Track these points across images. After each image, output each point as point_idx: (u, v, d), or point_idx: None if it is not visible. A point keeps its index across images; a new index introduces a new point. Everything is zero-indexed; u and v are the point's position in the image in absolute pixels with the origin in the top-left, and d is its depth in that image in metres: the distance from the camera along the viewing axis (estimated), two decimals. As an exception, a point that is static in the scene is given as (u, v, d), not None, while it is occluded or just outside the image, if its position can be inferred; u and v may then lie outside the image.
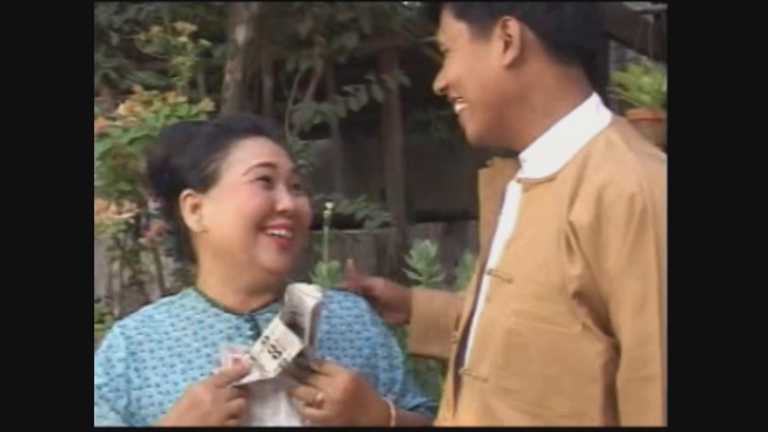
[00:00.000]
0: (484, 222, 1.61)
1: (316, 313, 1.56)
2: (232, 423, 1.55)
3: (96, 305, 3.09)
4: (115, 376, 1.63)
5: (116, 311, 3.17)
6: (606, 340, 1.36)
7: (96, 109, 3.69)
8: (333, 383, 1.59)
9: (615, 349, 1.36)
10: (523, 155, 1.52)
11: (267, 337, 1.55)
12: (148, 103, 2.91)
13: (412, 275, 2.90)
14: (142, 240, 3.02)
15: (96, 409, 1.60)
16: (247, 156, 1.68)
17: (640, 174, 1.36)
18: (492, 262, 1.51)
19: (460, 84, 1.51)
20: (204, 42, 3.05)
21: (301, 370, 1.58)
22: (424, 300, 1.87)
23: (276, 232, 1.65)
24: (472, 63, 1.49)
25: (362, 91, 3.88)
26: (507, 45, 1.46)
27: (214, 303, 1.68)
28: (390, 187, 5.04)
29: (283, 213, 1.65)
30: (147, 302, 3.25)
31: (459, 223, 5.41)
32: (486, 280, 1.51)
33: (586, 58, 1.51)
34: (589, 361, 1.36)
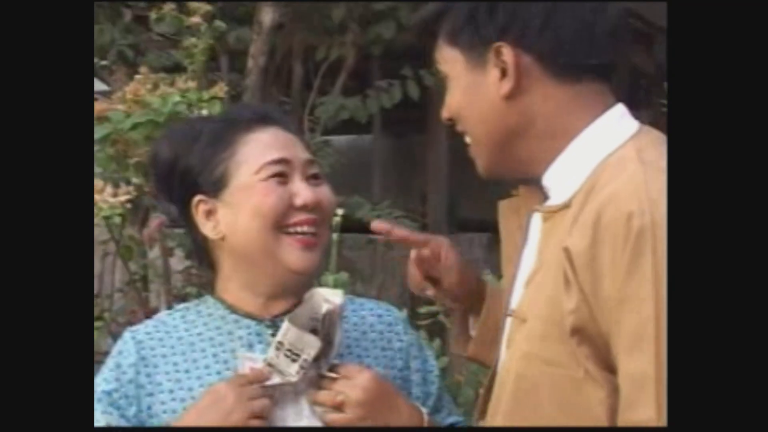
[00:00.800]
0: (507, 258, 1.51)
1: (332, 318, 1.52)
2: (255, 423, 1.50)
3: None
4: (126, 382, 1.58)
5: (107, 314, 2.98)
6: (608, 386, 1.28)
7: (105, 87, 3.53)
8: (352, 384, 1.52)
9: (617, 394, 1.28)
10: (544, 182, 1.43)
11: (281, 343, 1.50)
12: (155, 86, 2.71)
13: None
14: (142, 233, 2.86)
15: (104, 416, 1.55)
16: (257, 152, 1.58)
17: (642, 191, 1.27)
18: (514, 301, 1.44)
19: (462, 117, 1.44)
20: (219, 24, 2.84)
21: (321, 378, 1.54)
22: (498, 297, 1.66)
23: (298, 229, 1.56)
24: (471, 94, 1.42)
25: (396, 86, 3.64)
26: (504, 73, 1.38)
27: (233, 309, 1.61)
28: (432, 190, 4.83)
29: (303, 208, 1.56)
30: (146, 302, 3.09)
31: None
32: (508, 322, 1.44)
33: (600, 71, 1.40)
34: (593, 408, 1.29)
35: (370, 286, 5.37)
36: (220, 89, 2.61)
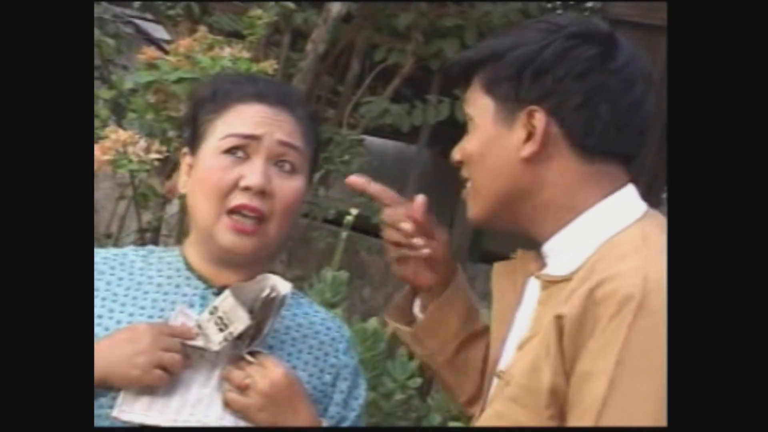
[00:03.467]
0: (497, 317, 1.50)
1: (270, 306, 1.51)
2: (157, 374, 1.47)
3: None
4: None
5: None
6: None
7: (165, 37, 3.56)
8: (263, 373, 1.51)
9: None
10: (545, 249, 1.42)
11: (216, 308, 1.50)
12: (210, 47, 2.74)
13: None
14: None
15: None
16: (231, 122, 1.56)
17: (641, 276, 1.26)
18: (503, 362, 1.44)
19: (473, 164, 1.43)
20: (288, 2, 2.86)
21: (240, 359, 1.53)
22: (464, 291, 1.63)
23: (238, 211, 1.52)
24: (491, 146, 1.41)
25: (445, 104, 3.63)
26: (530, 136, 1.37)
27: (190, 267, 1.61)
28: (460, 215, 4.78)
29: (246, 190, 1.51)
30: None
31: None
32: (494, 381, 1.44)
33: (622, 157, 1.41)
34: None
35: (379, 292, 5.36)
36: (270, 65, 2.61)
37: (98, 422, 1.47)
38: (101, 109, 2.60)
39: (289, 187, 1.55)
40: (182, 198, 1.67)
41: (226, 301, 1.50)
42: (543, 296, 1.39)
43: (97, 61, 3.22)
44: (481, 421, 1.39)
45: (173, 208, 3.19)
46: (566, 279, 1.35)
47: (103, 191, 4.31)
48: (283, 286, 1.51)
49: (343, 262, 2.95)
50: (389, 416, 2.62)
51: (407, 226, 1.53)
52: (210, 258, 1.58)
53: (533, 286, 1.43)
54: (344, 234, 2.60)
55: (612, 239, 1.34)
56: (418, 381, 2.63)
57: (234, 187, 1.51)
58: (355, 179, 1.57)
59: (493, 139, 1.40)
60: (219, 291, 1.56)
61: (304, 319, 1.64)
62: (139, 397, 1.47)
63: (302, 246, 4.21)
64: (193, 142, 1.59)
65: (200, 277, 1.59)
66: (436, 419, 2.62)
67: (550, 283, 1.39)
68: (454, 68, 1.50)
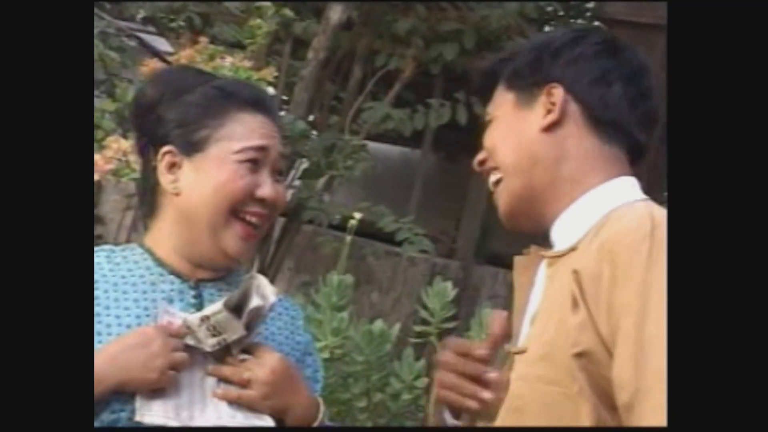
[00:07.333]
0: (518, 308, 1.53)
1: (259, 313, 1.55)
2: (171, 375, 1.51)
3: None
4: None
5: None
6: (596, 401, 1.30)
7: (168, 49, 3.61)
8: (260, 363, 1.56)
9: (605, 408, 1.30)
10: (553, 233, 1.47)
11: (207, 317, 1.52)
12: (211, 57, 2.78)
13: (423, 314, 2.73)
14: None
15: None
16: (244, 133, 1.60)
17: (647, 218, 1.31)
18: (520, 343, 1.46)
19: (496, 149, 1.49)
20: (287, 12, 2.89)
21: (229, 356, 1.57)
22: None
23: (248, 219, 1.59)
24: (511, 128, 1.48)
25: (447, 108, 3.66)
26: (548, 112, 1.45)
27: (161, 263, 1.62)
28: (466, 217, 4.80)
29: (261, 201, 1.59)
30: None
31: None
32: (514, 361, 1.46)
33: (630, 146, 1.46)
34: (582, 423, 1.30)
35: (387, 297, 5.39)
36: (269, 73, 2.65)
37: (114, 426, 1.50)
38: (106, 121, 2.64)
39: (282, 193, 1.63)
40: (144, 191, 1.66)
41: (219, 315, 1.52)
42: (550, 272, 1.43)
43: (102, 75, 3.27)
44: (508, 395, 1.39)
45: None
46: (572, 249, 1.39)
47: (110, 204, 4.35)
48: (271, 292, 1.55)
49: (350, 268, 2.98)
50: (397, 417, 2.65)
51: (482, 351, 1.46)
52: (191, 256, 1.61)
53: (542, 269, 1.47)
54: (348, 239, 2.62)
55: (616, 209, 1.38)
56: (424, 381, 2.65)
57: (250, 196, 1.57)
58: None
59: (514, 122, 1.47)
60: (195, 285, 1.60)
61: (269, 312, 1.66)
62: (153, 400, 1.50)
63: (309, 252, 4.24)
64: (190, 146, 1.59)
65: (173, 272, 1.61)
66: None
67: (556, 259, 1.43)
68: (480, 76, 1.57)
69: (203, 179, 1.58)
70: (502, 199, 1.49)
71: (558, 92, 1.44)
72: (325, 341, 2.58)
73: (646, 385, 1.23)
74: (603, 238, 1.33)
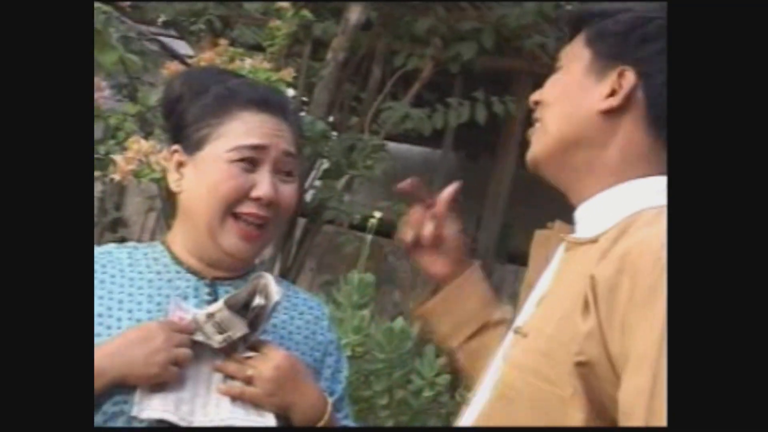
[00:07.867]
0: (527, 281, 1.54)
1: (262, 312, 1.55)
2: (173, 371, 1.51)
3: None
4: None
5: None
6: (588, 407, 1.29)
7: (189, 52, 3.63)
8: (265, 359, 1.57)
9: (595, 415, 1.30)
10: (577, 213, 1.46)
11: (212, 314, 1.54)
12: (231, 59, 2.80)
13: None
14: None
15: None
16: (238, 131, 1.60)
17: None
18: (520, 319, 1.46)
19: (550, 106, 1.47)
20: (306, 13, 2.91)
21: (236, 354, 1.58)
22: (481, 280, 1.73)
23: (245, 218, 1.59)
24: (574, 91, 1.45)
25: (466, 107, 3.66)
26: (613, 93, 1.42)
27: (177, 261, 1.64)
28: (487, 216, 4.77)
29: (257, 200, 1.58)
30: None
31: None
32: (509, 337, 1.46)
33: None
34: (570, 425, 1.30)
35: (408, 296, 5.39)
36: (288, 73, 2.66)
37: (114, 419, 1.51)
38: (128, 123, 2.66)
39: (289, 192, 1.62)
40: (166, 191, 1.69)
41: (221, 313, 1.53)
42: (566, 257, 1.42)
43: (124, 79, 3.30)
44: (499, 376, 1.40)
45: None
46: (592, 241, 1.37)
47: (133, 206, 4.39)
48: (276, 291, 1.54)
49: (371, 267, 2.99)
50: (419, 414, 2.66)
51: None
52: (201, 255, 1.62)
53: (559, 250, 1.46)
54: (369, 238, 2.64)
55: (647, 211, 1.36)
56: (446, 378, 2.66)
57: (244, 196, 1.57)
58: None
59: (579, 86, 1.44)
60: (211, 282, 1.62)
61: (287, 302, 1.68)
62: (154, 394, 1.51)
63: (330, 252, 4.26)
64: (190, 143, 1.61)
65: (189, 270, 1.62)
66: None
67: (574, 245, 1.41)
68: (565, 19, 1.56)
69: (200, 179, 1.59)
70: (535, 146, 1.48)
71: (630, 77, 1.41)
72: (347, 339, 2.60)
73: (655, 422, 1.20)
74: (627, 246, 1.30)
